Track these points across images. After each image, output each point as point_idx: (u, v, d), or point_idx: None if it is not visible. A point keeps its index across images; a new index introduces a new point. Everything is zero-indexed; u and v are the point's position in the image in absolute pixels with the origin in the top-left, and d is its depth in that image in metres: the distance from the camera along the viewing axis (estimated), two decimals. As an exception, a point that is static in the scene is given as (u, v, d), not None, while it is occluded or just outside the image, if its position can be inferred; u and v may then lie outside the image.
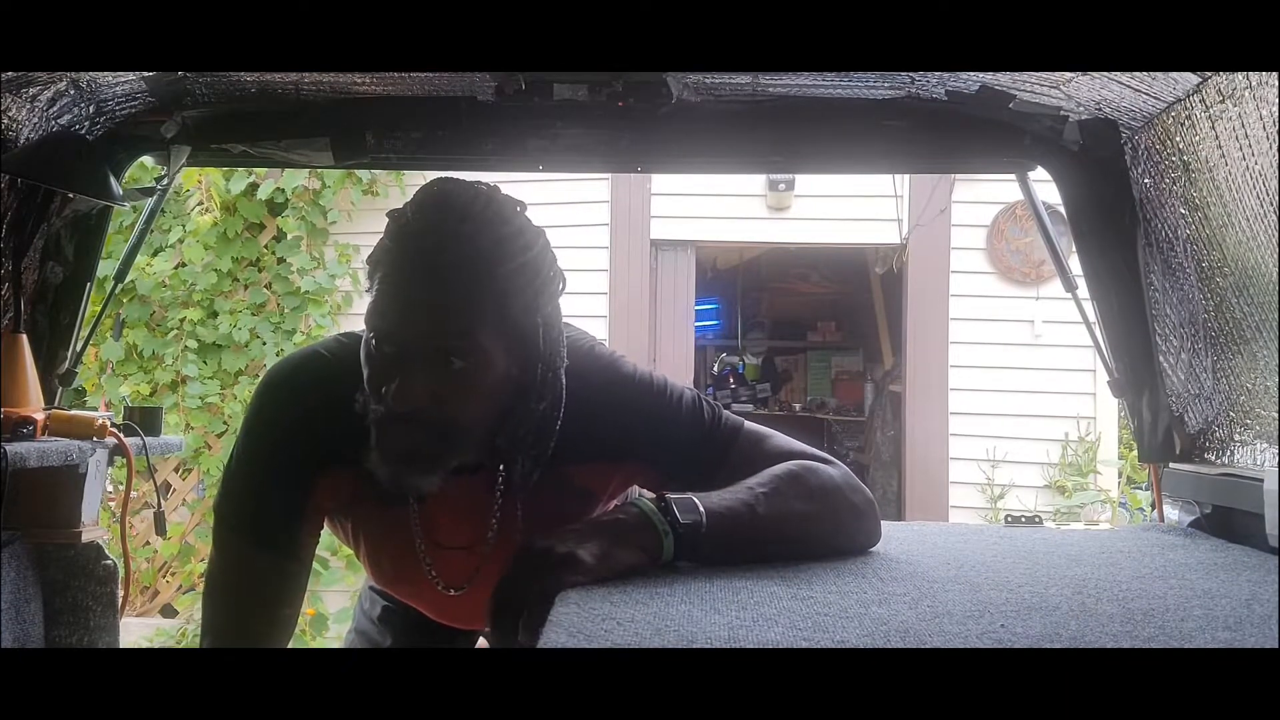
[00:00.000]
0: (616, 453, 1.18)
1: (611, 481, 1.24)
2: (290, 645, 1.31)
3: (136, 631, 4.62)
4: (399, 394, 1.03)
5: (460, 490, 1.15)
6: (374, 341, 1.06)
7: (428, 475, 1.08)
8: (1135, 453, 1.82)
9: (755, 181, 4.73)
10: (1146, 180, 1.52)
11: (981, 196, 4.67)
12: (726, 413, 1.22)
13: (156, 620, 4.89)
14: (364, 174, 4.81)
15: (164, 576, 5.03)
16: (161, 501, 1.94)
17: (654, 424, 1.17)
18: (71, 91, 1.50)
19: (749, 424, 1.23)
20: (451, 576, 1.26)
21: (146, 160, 1.75)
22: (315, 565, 5.08)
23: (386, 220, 1.08)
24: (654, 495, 1.07)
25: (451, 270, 1.01)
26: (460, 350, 1.03)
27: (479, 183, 1.10)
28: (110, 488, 3.58)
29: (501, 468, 1.17)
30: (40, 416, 1.56)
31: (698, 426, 1.19)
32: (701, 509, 1.04)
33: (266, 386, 1.19)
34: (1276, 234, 1.24)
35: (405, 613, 1.52)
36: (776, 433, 1.24)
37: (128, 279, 1.97)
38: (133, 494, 3.90)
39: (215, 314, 4.92)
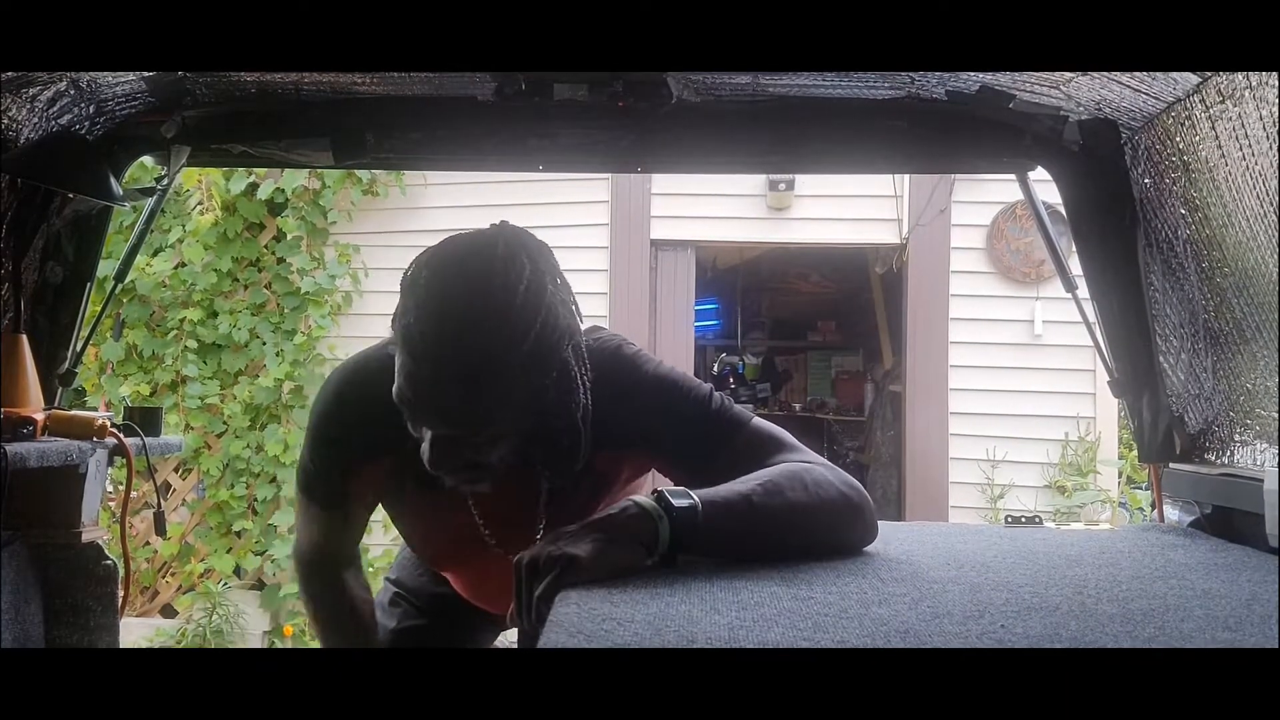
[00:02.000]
0: (625, 442, 1.27)
1: (623, 466, 1.32)
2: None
3: (136, 631, 4.62)
4: (432, 462, 1.15)
5: (511, 477, 1.25)
6: (403, 411, 1.14)
7: (482, 485, 1.21)
8: (1135, 453, 1.82)
9: (755, 181, 4.73)
10: (1146, 180, 1.52)
11: (981, 196, 4.67)
12: (737, 407, 1.28)
13: (156, 620, 4.89)
14: (364, 174, 4.81)
15: (164, 576, 5.03)
16: (161, 501, 1.94)
17: (660, 413, 1.25)
18: (71, 91, 1.50)
19: (758, 420, 1.28)
20: (514, 547, 1.36)
21: (146, 160, 1.75)
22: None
23: (404, 278, 1.14)
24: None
25: (455, 383, 1.08)
26: (478, 434, 1.13)
27: (481, 242, 1.13)
28: (110, 488, 3.58)
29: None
30: (40, 416, 1.56)
31: (702, 413, 1.25)
32: (697, 498, 1.07)
33: (320, 389, 1.37)
34: (1276, 234, 1.24)
35: (415, 598, 1.65)
36: (783, 432, 1.28)
37: (128, 279, 1.97)
38: (133, 494, 3.90)
39: (215, 314, 4.92)
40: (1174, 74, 1.29)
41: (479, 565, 1.43)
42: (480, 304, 1.08)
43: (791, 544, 1.13)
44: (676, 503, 1.05)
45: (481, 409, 1.09)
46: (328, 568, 1.48)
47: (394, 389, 1.12)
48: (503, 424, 1.12)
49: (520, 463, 1.20)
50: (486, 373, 1.08)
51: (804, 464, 1.19)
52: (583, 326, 1.23)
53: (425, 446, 1.14)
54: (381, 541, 4.38)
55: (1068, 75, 1.41)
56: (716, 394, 1.28)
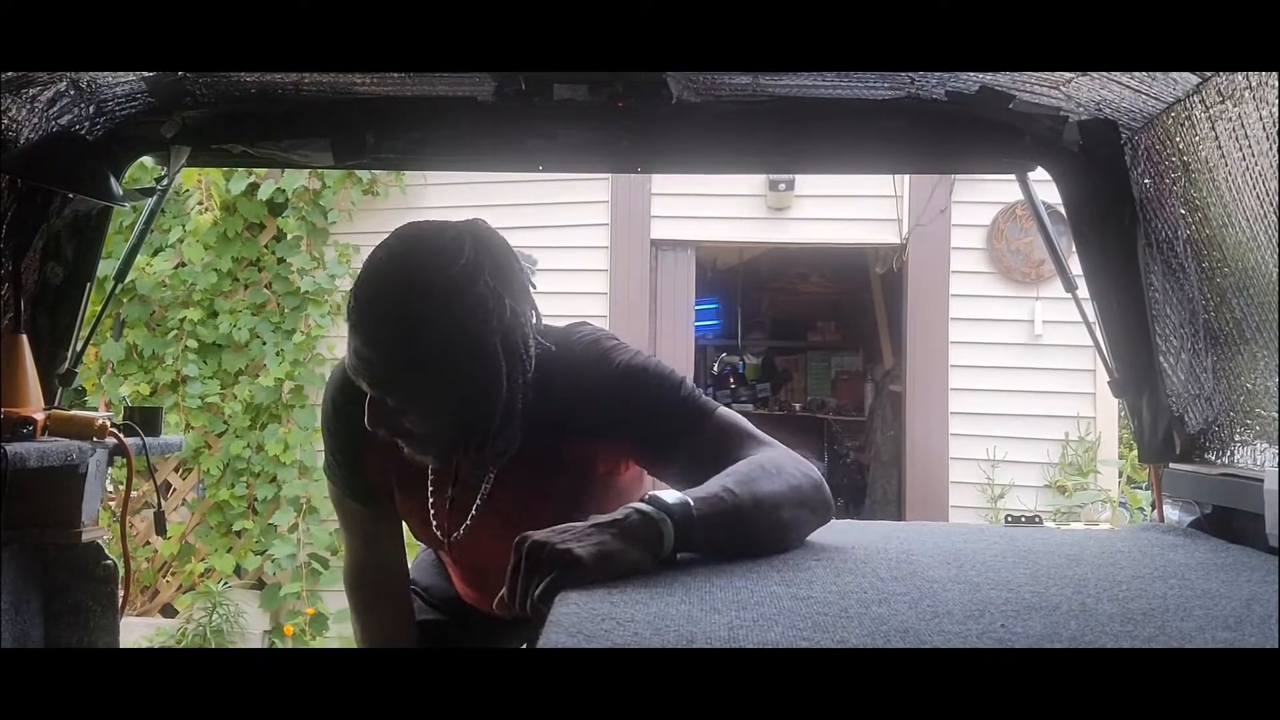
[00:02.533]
0: (594, 430, 1.31)
1: (596, 457, 1.35)
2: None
3: (136, 631, 4.62)
4: (368, 420, 1.25)
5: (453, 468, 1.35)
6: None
7: (426, 458, 1.30)
8: (1135, 453, 1.82)
9: (755, 181, 4.72)
10: (1146, 180, 1.52)
11: (981, 196, 4.67)
12: (705, 397, 1.32)
13: (157, 620, 4.89)
14: (364, 174, 4.81)
15: (164, 576, 5.03)
16: (161, 501, 1.95)
17: (628, 399, 1.29)
18: (71, 91, 1.50)
19: (724, 409, 1.32)
20: (447, 527, 1.43)
21: (146, 160, 1.75)
22: (315, 565, 5.02)
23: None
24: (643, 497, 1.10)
25: (366, 336, 1.20)
26: (388, 393, 1.23)
27: (432, 228, 1.24)
28: (110, 488, 3.58)
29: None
30: (40, 416, 1.56)
31: (670, 399, 1.29)
32: (685, 496, 1.09)
33: (326, 384, 1.46)
34: (1276, 234, 1.24)
35: (430, 595, 1.69)
36: (746, 422, 1.32)
37: (128, 279, 1.97)
38: (133, 494, 3.90)
39: (215, 314, 4.92)
40: (1174, 74, 1.29)
41: (449, 559, 1.49)
42: (401, 273, 1.20)
43: (775, 527, 1.17)
44: (671, 501, 1.06)
45: (388, 365, 1.19)
46: (378, 583, 1.53)
47: None
48: (410, 387, 1.21)
49: (449, 445, 1.27)
50: (393, 329, 1.18)
51: (766, 456, 1.24)
52: (530, 328, 1.27)
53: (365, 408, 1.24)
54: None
55: (1068, 75, 1.41)
56: (688, 383, 1.31)
